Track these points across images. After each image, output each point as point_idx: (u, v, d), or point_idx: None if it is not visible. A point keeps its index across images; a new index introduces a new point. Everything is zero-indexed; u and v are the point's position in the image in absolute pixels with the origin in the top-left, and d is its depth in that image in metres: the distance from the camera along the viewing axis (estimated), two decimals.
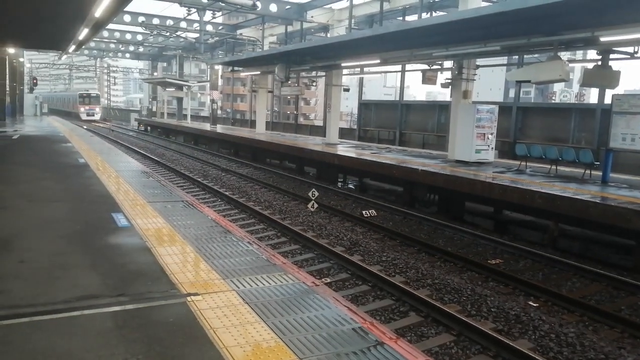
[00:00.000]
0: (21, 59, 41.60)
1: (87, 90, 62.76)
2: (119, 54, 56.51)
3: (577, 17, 10.39)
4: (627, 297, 7.47)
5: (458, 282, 7.66)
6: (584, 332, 6.16)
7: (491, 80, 59.09)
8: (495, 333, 5.83)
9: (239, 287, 4.54)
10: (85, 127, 37.36)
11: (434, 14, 23.67)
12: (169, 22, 35.98)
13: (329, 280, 7.64)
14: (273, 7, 30.48)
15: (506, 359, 5.43)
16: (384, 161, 14.52)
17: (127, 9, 31.76)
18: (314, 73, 26.69)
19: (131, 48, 50.16)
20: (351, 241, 9.71)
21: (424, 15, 22.99)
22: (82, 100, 55.23)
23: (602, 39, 10.27)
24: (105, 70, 70.82)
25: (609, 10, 9.66)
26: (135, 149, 24.96)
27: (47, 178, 10.01)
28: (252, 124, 33.90)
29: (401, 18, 27.06)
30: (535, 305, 7.02)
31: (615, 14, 9.77)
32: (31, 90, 46.35)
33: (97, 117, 54.65)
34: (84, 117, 53.44)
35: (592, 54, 12.76)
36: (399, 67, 21.39)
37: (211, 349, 3.35)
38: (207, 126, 33.46)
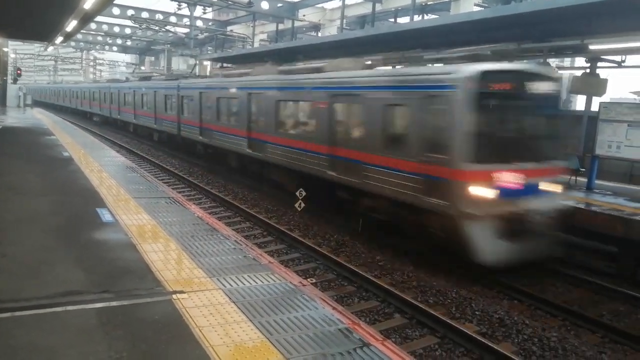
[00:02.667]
0: (5, 49, 40.89)
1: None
2: (106, 47, 55.88)
3: (567, 25, 10.51)
4: (609, 303, 7.54)
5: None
6: (566, 337, 6.22)
7: None
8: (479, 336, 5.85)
9: (225, 286, 4.50)
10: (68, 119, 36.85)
11: (426, 17, 23.78)
12: (159, 16, 35.68)
13: (314, 280, 7.63)
14: (265, 5, 30.38)
15: None
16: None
17: (116, 1, 31.53)
18: None
19: (119, 41, 49.63)
20: (338, 242, 9.70)
21: (416, 17, 23.07)
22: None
23: (591, 47, 10.39)
24: (92, 63, 69.49)
25: (598, 19, 9.78)
26: (120, 143, 24.69)
27: (31, 171, 9.85)
28: None
29: (393, 20, 27.14)
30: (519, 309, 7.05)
31: (604, 23, 9.90)
32: (15, 81, 45.37)
33: None
34: None
35: (580, 61, 12.92)
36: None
37: (197, 348, 3.32)
38: None
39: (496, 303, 7.17)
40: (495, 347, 5.54)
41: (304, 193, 11.74)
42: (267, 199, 13.35)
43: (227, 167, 16.55)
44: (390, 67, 12.81)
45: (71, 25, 16.64)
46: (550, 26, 10.63)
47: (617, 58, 11.41)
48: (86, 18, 15.94)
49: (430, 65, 11.09)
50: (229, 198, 13.06)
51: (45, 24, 17.55)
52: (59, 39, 23.40)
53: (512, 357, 5.36)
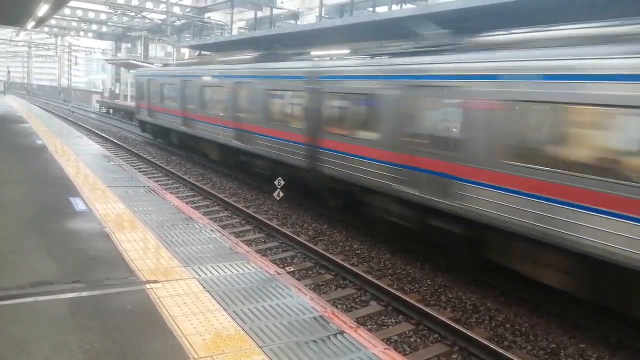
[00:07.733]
0: None
1: None
2: (81, 33, 54.57)
3: (548, 15, 10.61)
4: None
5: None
6: (537, 323, 6.36)
7: None
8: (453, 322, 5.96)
9: (200, 275, 4.49)
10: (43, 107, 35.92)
11: (404, 7, 23.79)
12: (135, 2, 34.97)
13: (292, 269, 7.66)
14: None
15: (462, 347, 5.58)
16: None
17: None
18: None
19: (94, 27, 48.54)
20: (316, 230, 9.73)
21: (394, 7, 23.08)
22: None
23: None
24: (67, 50, 67.71)
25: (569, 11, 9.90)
26: (96, 131, 24.27)
27: (3, 159, 9.63)
28: None
29: (371, 9, 27.08)
30: None
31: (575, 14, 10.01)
32: None
33: None
34: None
35: None
36: None
37: (170, 338, 3.31)
38: None
39: (470, 290, 7.29)
40: (469, 333, 5.65)
41: (282, 182, 11.68)
42: (246, 188, 13.30)
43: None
44: None
45: (43, 9, 16.21)
46: (530, 17, 10.71)
47: None
48: (58, 2, 15.54)
49: None
50: (207, 187, 12.97)
51: (15, 8, 17.06)
52: (31, 24, 22.77)
53: (485, 342, 5.47)
